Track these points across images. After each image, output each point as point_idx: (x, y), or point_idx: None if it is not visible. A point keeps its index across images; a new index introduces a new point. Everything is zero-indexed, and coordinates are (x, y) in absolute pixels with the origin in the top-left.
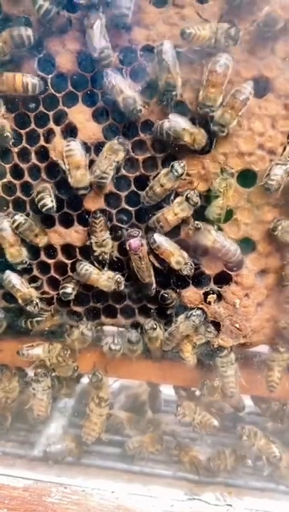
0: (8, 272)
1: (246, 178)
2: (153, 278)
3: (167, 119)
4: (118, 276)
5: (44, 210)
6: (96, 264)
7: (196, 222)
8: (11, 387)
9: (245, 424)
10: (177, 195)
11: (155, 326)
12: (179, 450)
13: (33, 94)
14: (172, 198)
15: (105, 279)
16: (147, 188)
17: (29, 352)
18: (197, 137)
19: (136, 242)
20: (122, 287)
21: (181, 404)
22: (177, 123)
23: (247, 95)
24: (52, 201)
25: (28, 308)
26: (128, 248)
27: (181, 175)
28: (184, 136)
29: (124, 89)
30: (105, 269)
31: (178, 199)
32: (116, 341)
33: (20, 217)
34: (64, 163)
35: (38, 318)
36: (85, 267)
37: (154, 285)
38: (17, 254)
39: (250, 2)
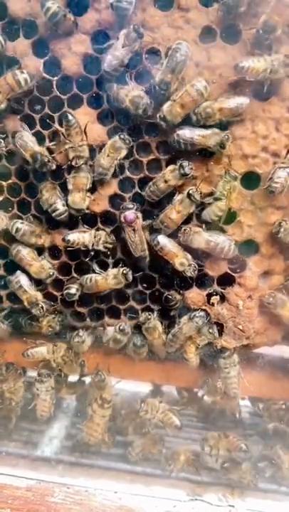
0: (18, 273)
1: (250, 180)
2: (147, 252)
3: (179, 132)
4: (122, 269)
5: (55, 214)
6: (97, 269)
7: (184, 227)
8: (16, 387)
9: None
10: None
11: (149, 316)
12: (171, 459)
13: (28, 88)
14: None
15: (112, 278)
16: (150, 183)
17: (33, 352)
18: (212, 138)
19: (131, 214)
20: (131, 277)
21: (145, 400)
22: (190, 132)
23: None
24: (63, 205)
25: (34, 311)
26: (123, 220)
27: (187, 175)
28: (200, 142)
29: (128, 91)
30: (109, 268)
31: (179, 197)
32: (128, 325)
33: (21, 225)
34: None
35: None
36: (89, 278)
37: (148, 258)
38: (40, 270)
39: (250, 8)
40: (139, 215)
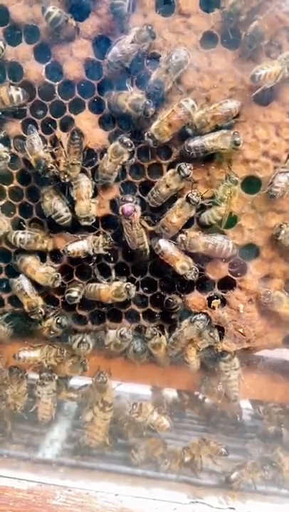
0: (21, 276)
1: (250, 184)
2: (147, 245)
3: (190, 144)
4: (126, 284)
5: (59, 220)
6: (98, 275)
7: (180, 236)
8: (20, 391)
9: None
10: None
11: (155, 333)
12: (168, 457)
13: (18, 104)
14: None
15: (114, 290)
16: (153, 189)
17: (25, 355)
18: (223, 139)
19: (128, 207)
20: (133, 293)
21: (137, 403)
22: (200, 140)
23: None
24: (66, 211)
25: (33, 316)
26: (120, 213)
27: (187, 176)
28: (211, 146)
29: (128, 96)
30: (112, 276)
31: (178, 201)
32: (129, 331)
33: (22, 235)
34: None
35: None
36: (93, 285)
37: (148, 251)
38: (45, 276)
39: (250, 16)
40: (137, 208)
